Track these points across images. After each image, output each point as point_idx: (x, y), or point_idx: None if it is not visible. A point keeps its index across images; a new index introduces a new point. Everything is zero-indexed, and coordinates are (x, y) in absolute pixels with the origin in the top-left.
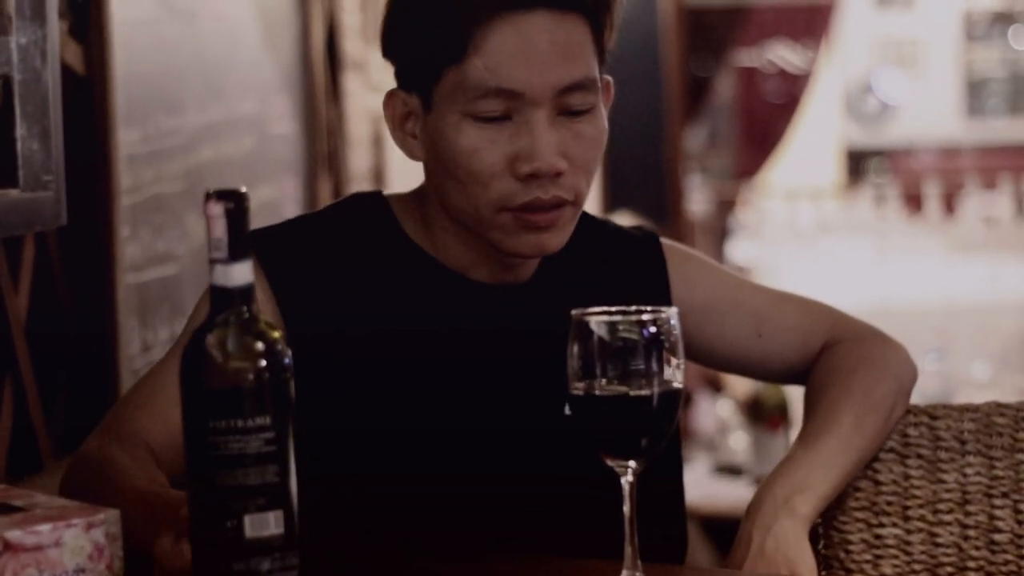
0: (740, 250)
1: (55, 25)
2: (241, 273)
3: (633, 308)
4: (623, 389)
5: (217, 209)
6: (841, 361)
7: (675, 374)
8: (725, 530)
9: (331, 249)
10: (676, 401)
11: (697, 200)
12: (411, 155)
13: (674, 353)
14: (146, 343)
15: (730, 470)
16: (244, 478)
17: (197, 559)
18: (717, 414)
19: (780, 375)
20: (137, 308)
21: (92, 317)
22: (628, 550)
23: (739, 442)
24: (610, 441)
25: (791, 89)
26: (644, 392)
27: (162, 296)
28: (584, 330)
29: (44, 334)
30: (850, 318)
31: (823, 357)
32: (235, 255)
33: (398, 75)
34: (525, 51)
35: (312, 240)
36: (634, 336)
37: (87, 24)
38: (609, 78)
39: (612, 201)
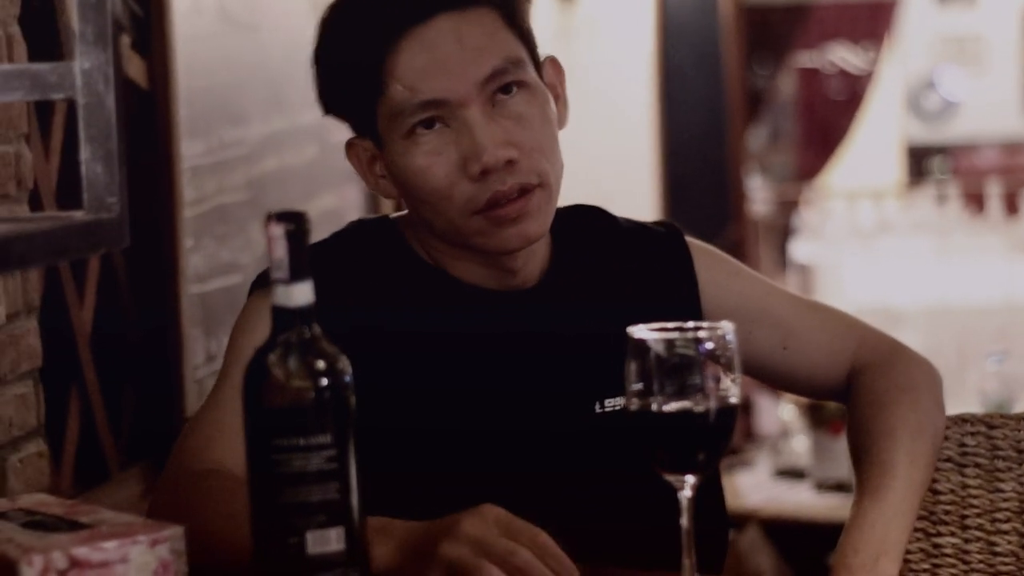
0: (802, 250)
1: (115, 49)
2: (302, 293)
3: (690, 324)
4: (680, 405)
5: (278, 230)
6: (878, 395)
7: (731, 388)
8: (786, 533)
9: (346, 273)
10: (733, 416)
11: (759, 201)
12: (387, 195)
13: (730, 368)
14: (210, 353)
15: (792, 473)
16: (306, 495)
17: (261, 574)
18: (779, 418)
19: (802, 389)
20: (201, 318)
21: (157, 328)
22: (686, 563)
23: (800, 446)
24: (667, 457)
25: (852, 89)
26: (701, 408)
27: (226, 306)
28: (641, 347)
29: (109, 345)
30: (875, 334)
31: (855, 390)
32: (296, 275)
33: (350, 126)
34: (435, 59)
35: (326, 266)
36: (690, 352)
37: (150, 39)
38: (553, 56)
39: (673, 202)
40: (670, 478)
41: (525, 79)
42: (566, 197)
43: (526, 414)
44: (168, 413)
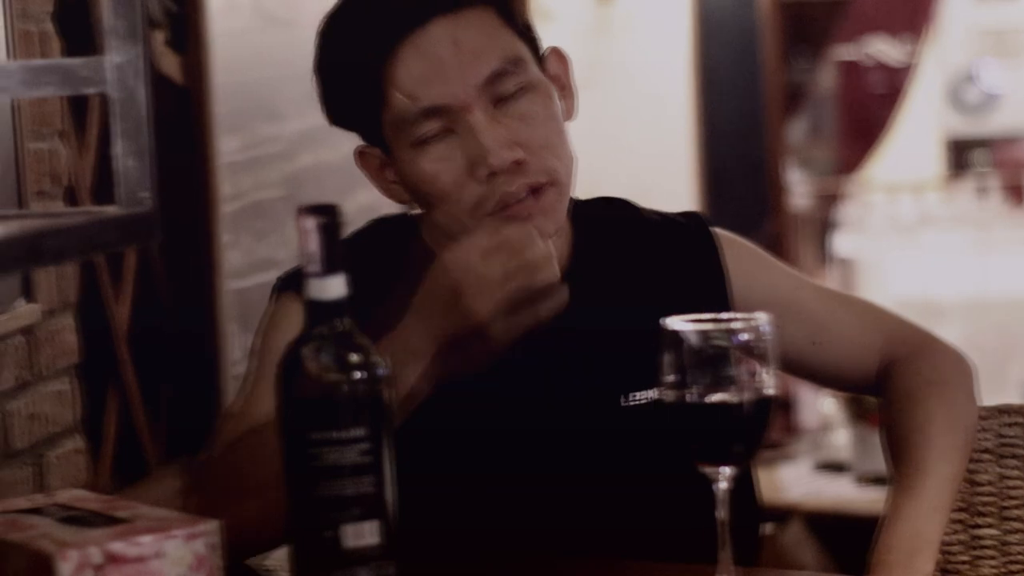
0: (843, 244)
1: (147, 44)
2: (336, 286)
3: (726, 316)
4: (715, 397)
5: (311, 223)
6: (909, 390)
7: (767, 380)
8: (827, 527)
9: (365, 271)
10: (769, 407)
11: (799, 194)
12: (400, 200)
13: (766, 359)
14: (248, 348)
15: (833, 467)
16: (341, 489)
17: (296, 569)
18: (820, 411)
19: (832, 383)
20: (240, 314)
21: (195, 324)
22: (722, 555)
23: (842, 439)
24: (703, 448)
25: (892, 82)
26: (736, 399)
27: (265, 302)
28: (675, 338)
29: (147, 342)
30: (905, 326)
31: (890, 383)
32: (329, 268)
33: (358, 135)
34: (433, 65)
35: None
36: (725, 343)
37: (186, 35)
38: (556, 47)
39: (711, 197)
40: (707, 470)
41: (527, 77)
42: (605, 191)
43: (551, 410)
44: (207, 409)
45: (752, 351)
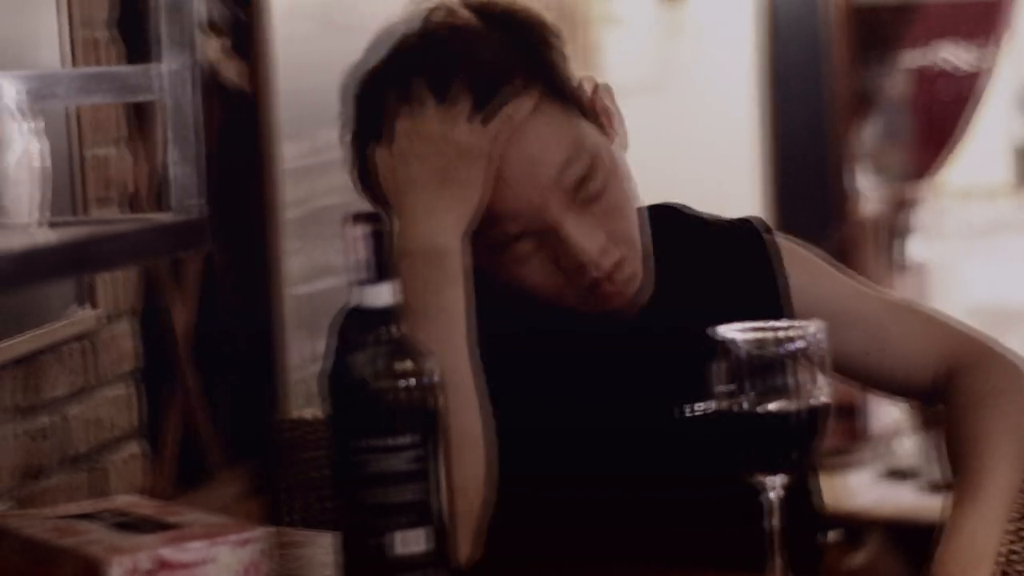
0: (916, 250)
1: (199, 51)
2: (385, 293)
3: (779, 324)
4: (767, 406)
5: (359, 231)
6: (969, 398)
7: (821, 388)
8: (896, 534)
9: None
10: (822, 416)
11: (871, 200)
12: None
13: (821, 367)
14: (315, 354)
15: (901, 474)
16: (390, 496)
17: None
18: (888, 418)
19: (894, 391)
20: (305, 319)
21: (257, 329)
22: (777, 563)
23: (911, 445)
24: (755, 457)
25: (966, 87)
26: (789, 408)
27: (330, 307)
28: (727, 346)
29: (210, 347)
30: (965, 334)
31: (953, 391)
32: (378, 276)
33: None
34: (504, 172)
35: None
36: (778, 351)
37: (249, 42)
38: (589, 77)
39: (778, 203)
40: (759, 479)
41: (594, 157)
42: (670, 197)
43: (607, 419)
44: (270, 414)
45: (805, 359)
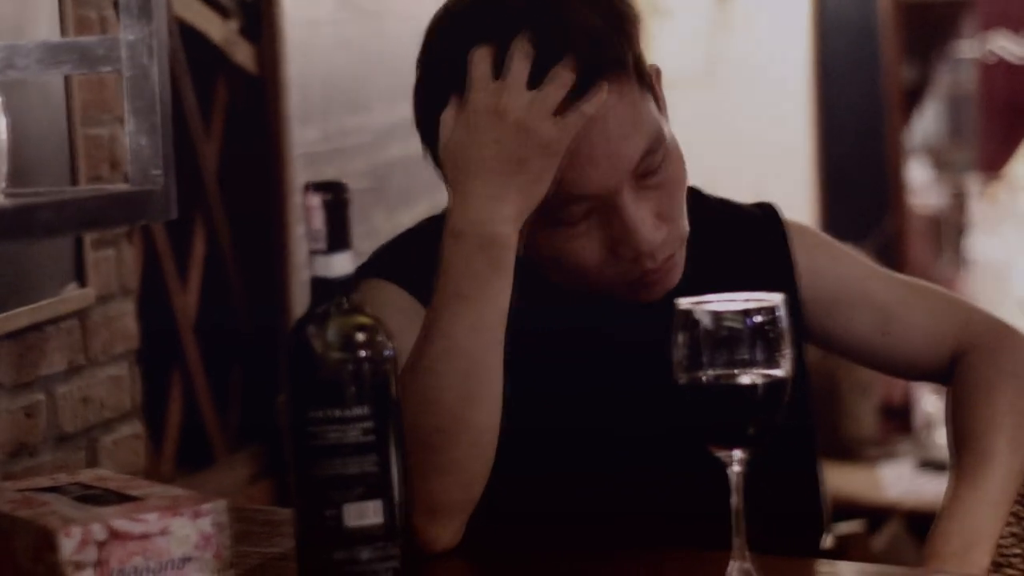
0: (978, 245)
1: (162, 21)
2: (340, 264)
3: (739, 296)
4: (728, 378)
5: (315, 200)
6: (980, 377)
7: (782, 362)
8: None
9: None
10: (782, 390)
11: (931, 194)
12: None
13: (780, 341)
14: None
15: (936, 465)
16: (343, 467)
17: (300, 548)
18: (922, 410)
19: (906, 372)
20: None
21: (266, 314)
22: (736, 541)
23: (944, 438)
24: (715, 431)
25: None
26: (748, 381)
27: None
28: (689, 319)
29: (215, 331)
30: (981, 314)
31: (959, 372)
32: (334, 246)
33: None
34: (582, 151)
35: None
36: (739, 325)
37: (260, 24)
38: (655, 66)
39: (830, 196)
40: (719, 453)
41: (666, 149)
42: (722, 189)
43: (619, 405)
44: (276, 400)
45: (766, 333)
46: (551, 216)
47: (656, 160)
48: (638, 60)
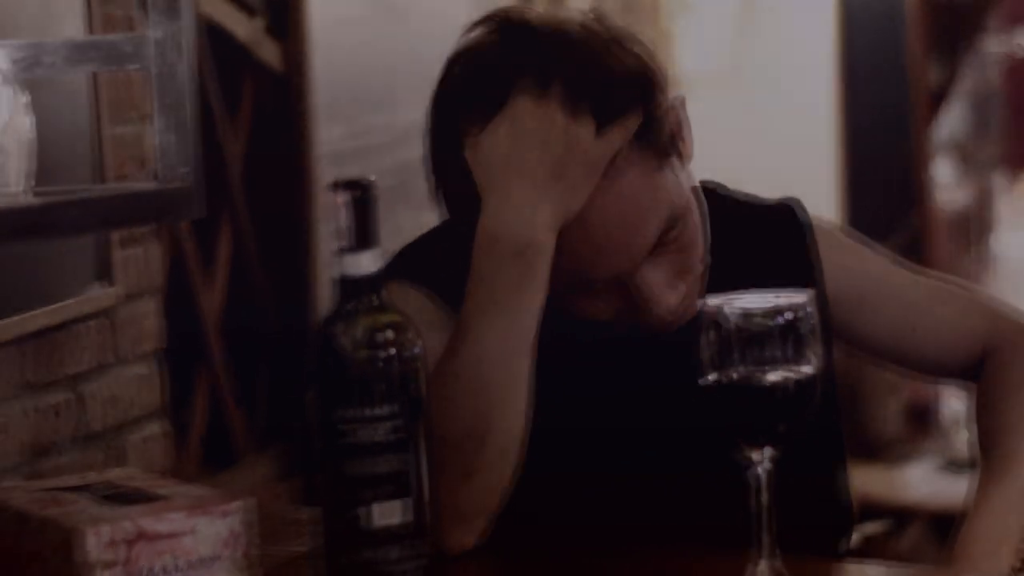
0: (1002, 242)
1: (190, 19)
2: (368, 262)
3: (768, 294)
4: (757, 376)
5: (343, 198)
6: (1008, 377)
7: (810, 360)
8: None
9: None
10: (811, 387)
11: (954, 192)
12: None
13: (810, 339)
14: None
15: (960, 466)
16: (371, 466)
17: (327, 547)
18: (947, 410)
19: (932, 372)
20: None
21: (291, 313)
22: (765, 539)
23: (969, 438)
24: (744, 429)
25: None
26: (777, 380)
27: None
28: (717, 317)
29: (241, 329)
30: (1009, 312)
31: (987, 372)
32: (361, 243)
33: None
34: (597, 247)
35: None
36: (768, 322)
37: (286, 22)
38: (677, 98)
39: (854, 194)
40: (748, 452)
41: (682, 207)
42: (745, 188)
43: (643, 406)
44: (303, 398)
45: (794, 330)
46: (568, 284)
47: (675, 232)
48: (658, 132)
